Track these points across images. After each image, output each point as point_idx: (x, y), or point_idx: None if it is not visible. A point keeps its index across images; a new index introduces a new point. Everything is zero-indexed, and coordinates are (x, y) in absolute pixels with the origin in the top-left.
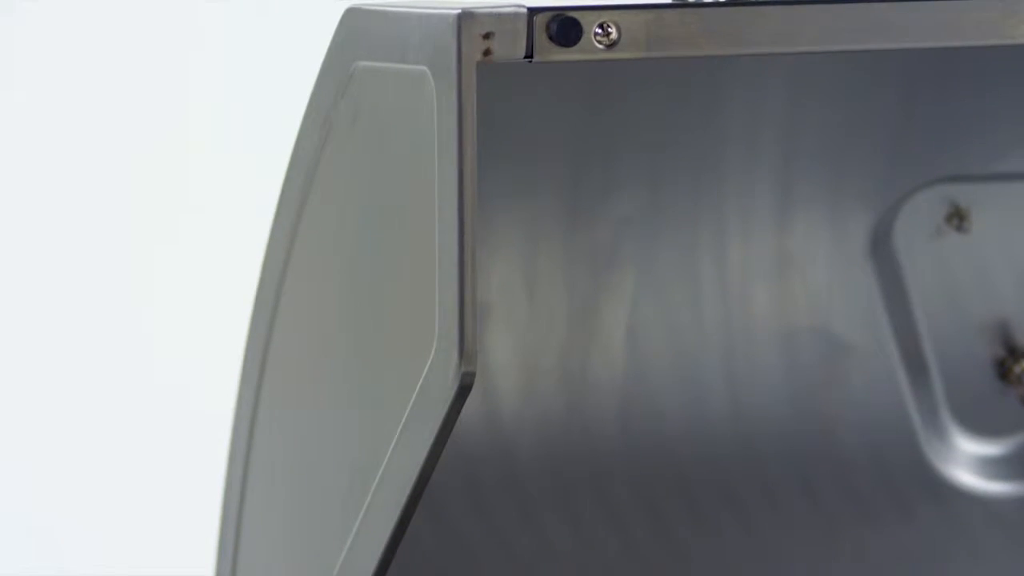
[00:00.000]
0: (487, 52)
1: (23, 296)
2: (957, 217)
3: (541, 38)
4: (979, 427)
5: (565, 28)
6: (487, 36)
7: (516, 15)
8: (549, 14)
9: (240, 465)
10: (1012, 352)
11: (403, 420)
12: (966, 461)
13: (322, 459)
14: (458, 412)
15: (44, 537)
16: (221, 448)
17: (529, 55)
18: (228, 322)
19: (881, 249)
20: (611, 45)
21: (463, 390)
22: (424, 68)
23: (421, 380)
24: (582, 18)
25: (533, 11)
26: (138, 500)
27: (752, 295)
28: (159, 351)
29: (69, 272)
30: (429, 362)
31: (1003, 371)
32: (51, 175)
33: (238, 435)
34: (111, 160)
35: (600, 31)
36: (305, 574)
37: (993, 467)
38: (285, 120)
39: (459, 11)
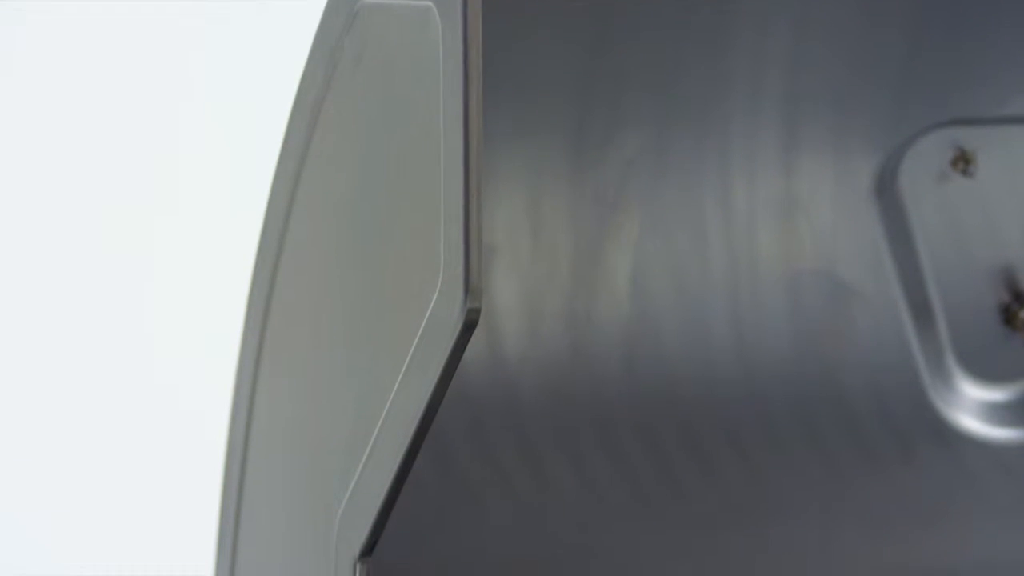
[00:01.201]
0: None
1: (20, 294)
2: (963, 161)
3: None
4: (984, 373)
5: None
6: None
7: None
8: None
9: (244, 408)
10: (1017, 297)
11: (408, 358)
12: (970, 406)
13: (326, 401)
14: (463, 349)
15: (44, 537)
16: (217, 445)
17: None
18: (226, 310)
19: (886, 193)
20: None
21: (468, 327)
22: (429, 4)
23: (426, 318)
24: None
25: None
26: (136, 497)
27: (757, 237)
28: (159, 346)
29: (68, 262)
30: (434, 299)
31: (1008, 316)
32: (41, 168)
33: (242, 377)
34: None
35: None
36: (309, 516)
37: (997, 413)
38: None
39: None
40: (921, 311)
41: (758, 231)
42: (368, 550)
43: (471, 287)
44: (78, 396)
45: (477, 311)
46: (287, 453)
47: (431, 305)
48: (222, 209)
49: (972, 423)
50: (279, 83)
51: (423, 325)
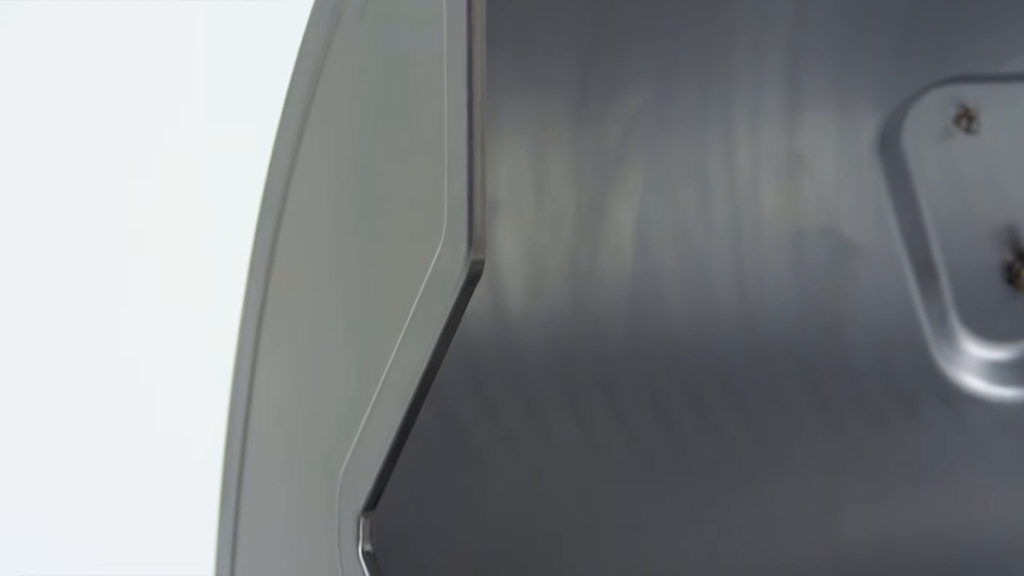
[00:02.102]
0: None
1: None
2: (966, 118)
3: None
4: (987, 332)
5: None
6: None
7: None
8: None
9: (247, 367)
10: (1021, 256)
11: (411, 313)
12: (974, 366)
13: (329, 358)
14: (467, 302)
15: (43, 537)
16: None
17: None
18: (227, 280)
19: (890, 150)
20: None
21: (472, 278)
22: None
23: (429, 271)
24: None
25: None
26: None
27: (760, 194)
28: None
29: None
30: (437, 252)
31: (1012, 275)
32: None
33: (245, 337)
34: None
35: None
36: (312, 472)
37: (1000, 372)
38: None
39: None
40: (924, 269)
41: (761, 187)
42: (371, 505)
43: (475, 238)
44: (78, 365)
45: (481, 263)
46: (290, 410)
47: (435, 258)
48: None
49: (975, 382)
50: (280, 45)
51: (426, 279)
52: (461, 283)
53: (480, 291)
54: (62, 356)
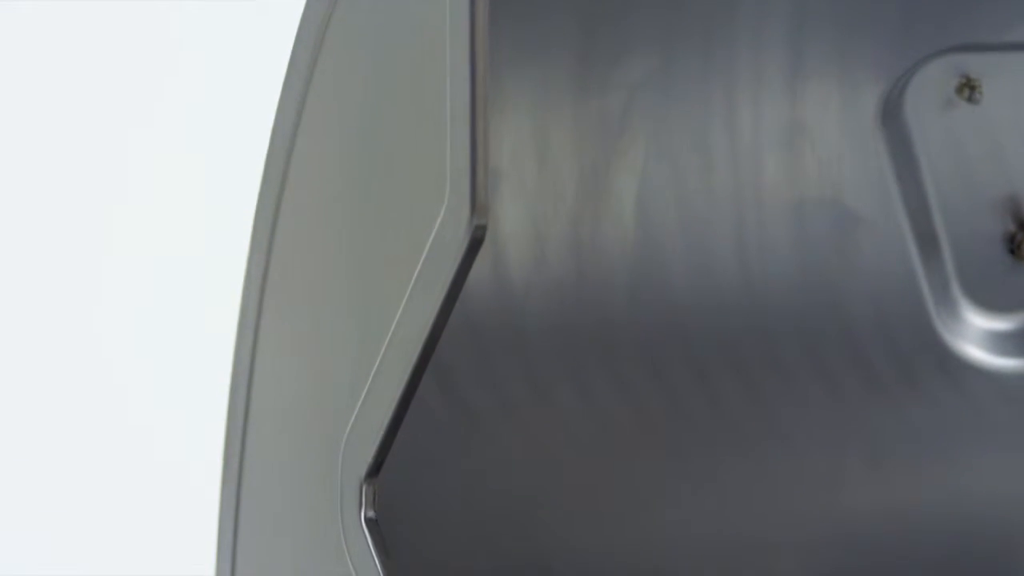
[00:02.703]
0: None
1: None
2: (968, 88)
3: None
4: (990, 302)
5: None
6: None
7: None
8: None
9: (250, 334)
10: (1023, 227)
11: (414, 278)
12: (976, 336)
13: (332, 324)
14: (469, 268)
15: (42, 536)
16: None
17: None
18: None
19: (892, 120)
20: None
21: (475, 243)
22: None
23: (432, 237)
24: None
25: None
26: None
27: (762, 164)
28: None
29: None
30: (440, 218)
31: (1014, 246)
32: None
33: (248, 303)
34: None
35: None
36: (315, 438)
37: (1002, 342)
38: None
39: None
40: (926, 240)
41: (763, 157)
42: (373, 472)
43: (477, 204)
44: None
45: (483, 228)
46: (293, 377)
47: (437, 224)
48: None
49: (977, 352)
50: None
51: (429, 244)
52: (464, 249)
53: (482, 260)
54: (76, 311)
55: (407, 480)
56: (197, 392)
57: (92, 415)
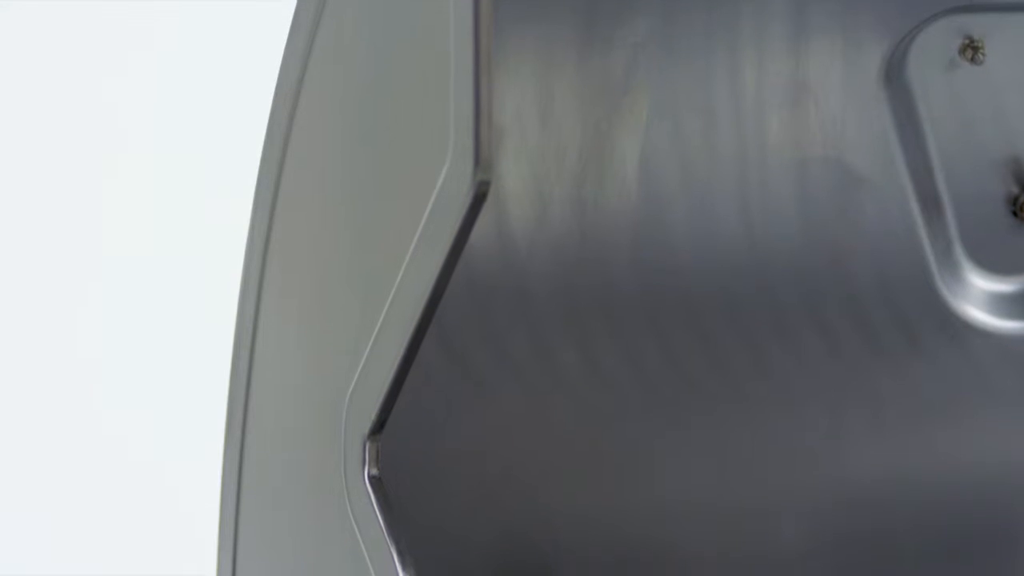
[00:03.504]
0: None
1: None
2: (971, 48)
3: None
4: (992, 264)
5: None
6: None
7: None
8: None
9: (253, 291)
10: None
11: (417, 236)
12: (979, 298)
13: (336, 282)
14: (472, 224)
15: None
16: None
17: None
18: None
19: (895, 80)
20: None
21: (478, 199)
22: None
23: (436, 193)
24: None
25: None
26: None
27: (766, 123)
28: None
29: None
30: (443, 174)
31: (1016, 208)
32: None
33: (251, 260)
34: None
35: None
36: (319, 397)
37: (1006, 305)
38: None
39: None
40: (929, 201)
41: (766, 116)
42: (377, 428)
43: (481, 160)
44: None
45: (487, 183)
46: (296, 335)
47: (440, 180)
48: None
49: (979, 314)
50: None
51: (432, 201)
52: (467, 204)
53: (485, 220)
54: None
55: (409, 441)
56: (197, 339)
57: (93, 384)
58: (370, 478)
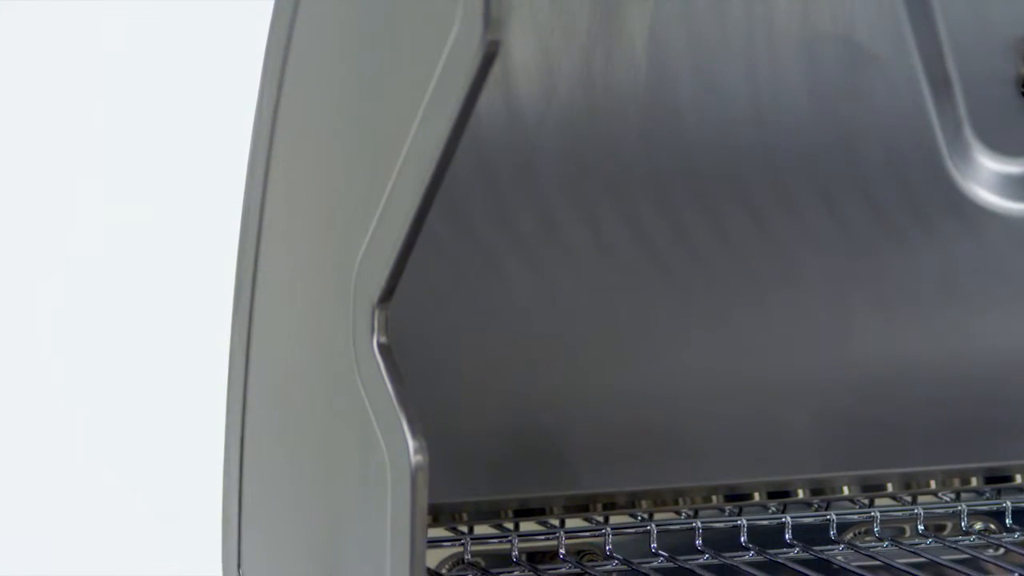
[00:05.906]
0: None
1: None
2: None
3: None
4: (1002, 145)
5: None
6: None
7: None
8: None
9: (262, 163)
10: None
11: (427, 96)
12: (988, 179)
13: (344, 151)
14: (482, 85)
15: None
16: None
17: None
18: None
19: None
20: None
21: (488, 59)
22: None
23: (445, 54)
24: None
25: None
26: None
27: (775, 0)
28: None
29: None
30: (453, 34)
31: None
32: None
33: (259, 131)
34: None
35: None
36: (328, 266)
37: (1016, 187)
38: None
39: None
40: (939, 81)
41: None
42: (386, 296)
43: (491, 19)
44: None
45: (496, 43)
46: (306, 202)
47: (450, 41)
48: None
49: (990, 196)
50: None
51: (442, 62)
52: (477, 64)
53: (494, 94)
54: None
55: (418, 315)
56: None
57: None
58: (379, 345)
